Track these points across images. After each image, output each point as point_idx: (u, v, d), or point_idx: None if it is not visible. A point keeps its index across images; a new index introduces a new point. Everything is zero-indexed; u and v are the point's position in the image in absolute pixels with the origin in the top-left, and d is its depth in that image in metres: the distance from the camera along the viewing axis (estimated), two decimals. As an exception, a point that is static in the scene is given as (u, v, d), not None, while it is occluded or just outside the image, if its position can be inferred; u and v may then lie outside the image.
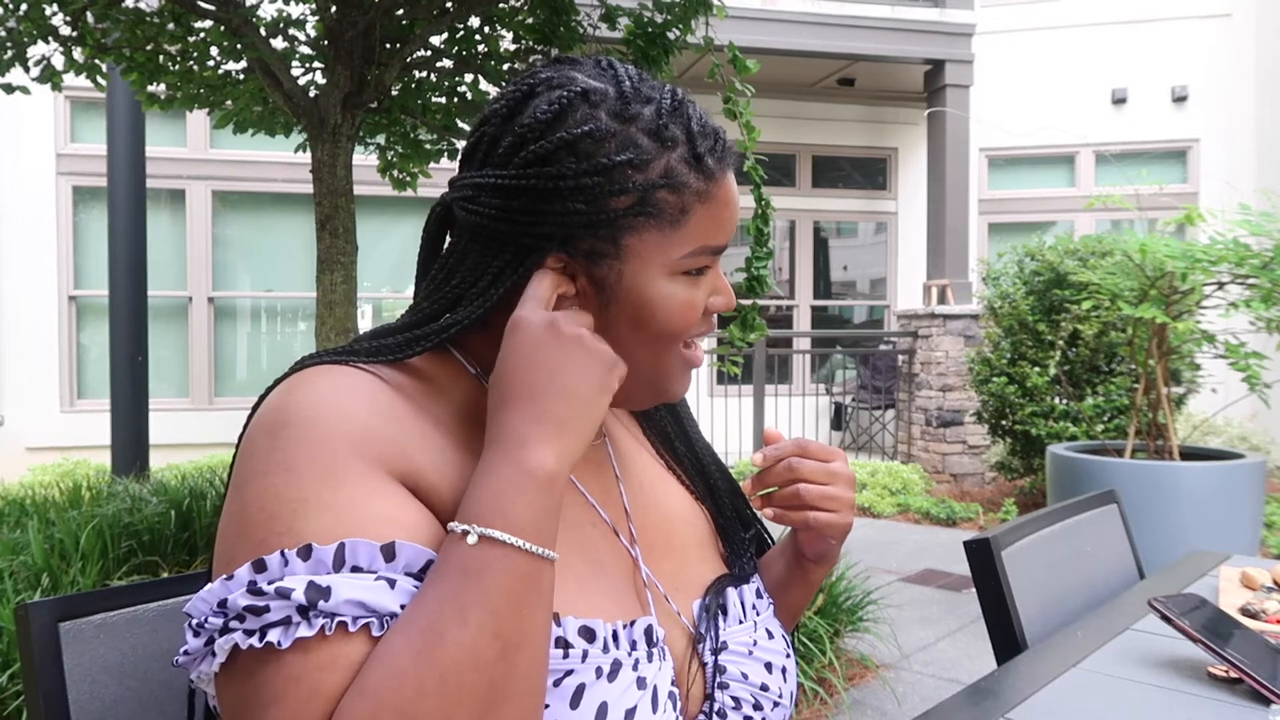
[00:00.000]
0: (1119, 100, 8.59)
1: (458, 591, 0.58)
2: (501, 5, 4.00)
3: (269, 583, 0.57)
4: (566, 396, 0.65)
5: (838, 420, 8.50)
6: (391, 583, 0.59)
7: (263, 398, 0.68)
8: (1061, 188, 8.78)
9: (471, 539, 0.59)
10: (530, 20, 4.08)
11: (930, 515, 5.78)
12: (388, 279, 7.91)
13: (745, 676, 0.76)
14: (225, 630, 0.58)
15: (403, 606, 0.59)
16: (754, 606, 0.82)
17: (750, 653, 0.78)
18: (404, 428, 0.66)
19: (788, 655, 0.81)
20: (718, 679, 0.75)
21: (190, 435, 6.95)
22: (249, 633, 0.57)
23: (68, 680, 0.77)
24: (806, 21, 7.19)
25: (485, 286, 0.71)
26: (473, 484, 0.63)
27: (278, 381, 0.68)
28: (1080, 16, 8.57)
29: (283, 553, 0.58)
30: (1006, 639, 1.28)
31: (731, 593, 0.81)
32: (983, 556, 1.30)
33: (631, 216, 0.69)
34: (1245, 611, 1.20)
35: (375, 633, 0.58)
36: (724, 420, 7.51)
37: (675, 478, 0.89)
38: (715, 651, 0.76)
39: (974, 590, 1.31)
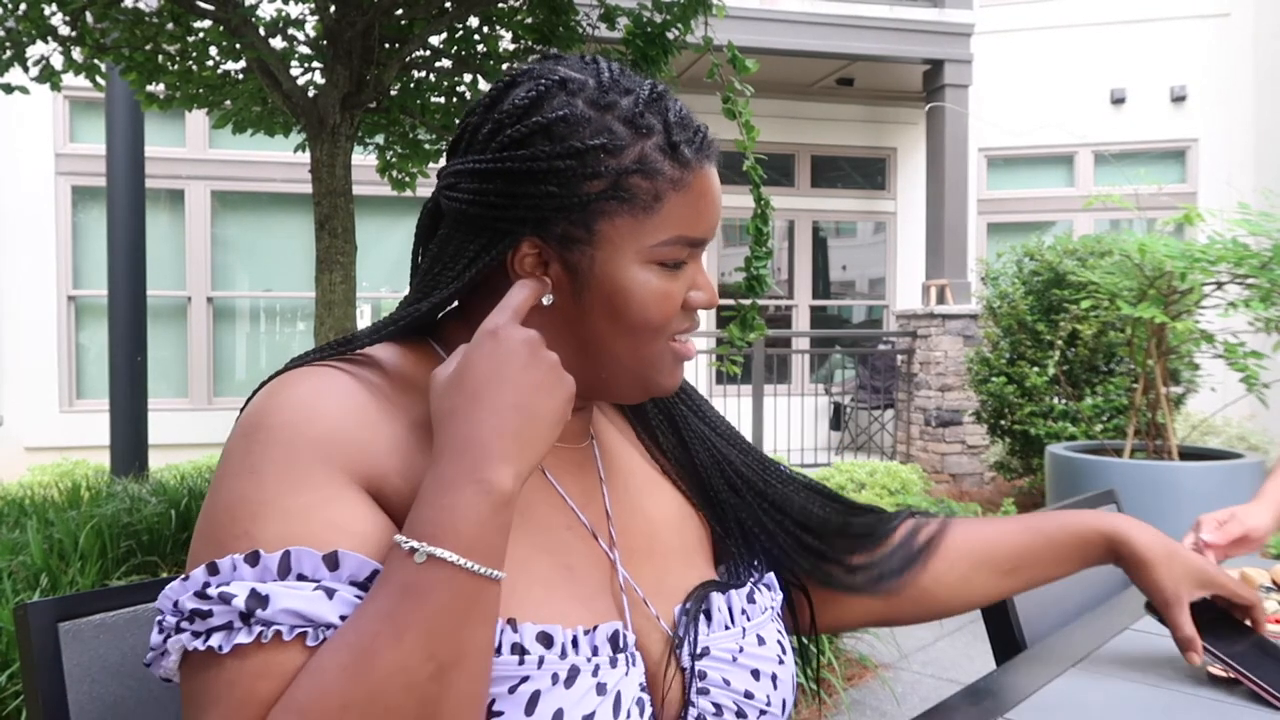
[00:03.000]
0: (1118, 100, 8.59)
1: (396, 609, 0.57)
2: (500, 5, 4.00)
3: (218, 586, 0.58)
4: (535, 419, 0.64)
5: (836, 420, 8.50)
6: (330, 593, 0.59)
7: (248, 401, 0.69)
8: (1060, 188, 8.78)
9: (419, 557, 0.58)
10: (529, 20, 4.08)
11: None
12: (387, 279, 7.91)
13: (727, 683, 0.74)
14: (178, 630, 0.59)
15: (343, 617, 0.58)
16: (744, 612, 0.79)
17: (734, 659, 0.76)
18: (375, 431, 0.66)
19: (781, 662, 0.79)
20: (696, 685, 0.73)
21: (189, 435, 6.94)
22: (196, 634, 0.58)
23: (67, 680, 0.77)
24: (806, 21, 7.19)
25: (460, 270, 0.71)
26: (425, 494, 0.61)
27: (264, 384, 0.69)
28: (1079, 16, 8.57)
29: (234, 558, 0.59)
30: (1005, 639, 1.28)
31: (717, 598, 0.79)
32: (982, 556, 1.30)
33: (604, 201, 0.69)
34: None
35: (310, 642, 0.58)
36: (723, 420, 7.50)
37: (670, 482, 0.87)
38: (694, 656, 0.74)
39: (973, 590, 1.31)
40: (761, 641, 0.79)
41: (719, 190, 0.75)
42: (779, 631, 0.83)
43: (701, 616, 0.77)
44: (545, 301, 0.72)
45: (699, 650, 0.75)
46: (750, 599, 0.81)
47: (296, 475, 0.61)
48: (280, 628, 0.57)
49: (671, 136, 0.71)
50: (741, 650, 0.77)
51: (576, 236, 0.70)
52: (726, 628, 0.77)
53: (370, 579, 0.60)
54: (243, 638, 0.57)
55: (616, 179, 0.69)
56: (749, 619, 0.79)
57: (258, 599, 0.57)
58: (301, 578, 0.59)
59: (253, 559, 0.59)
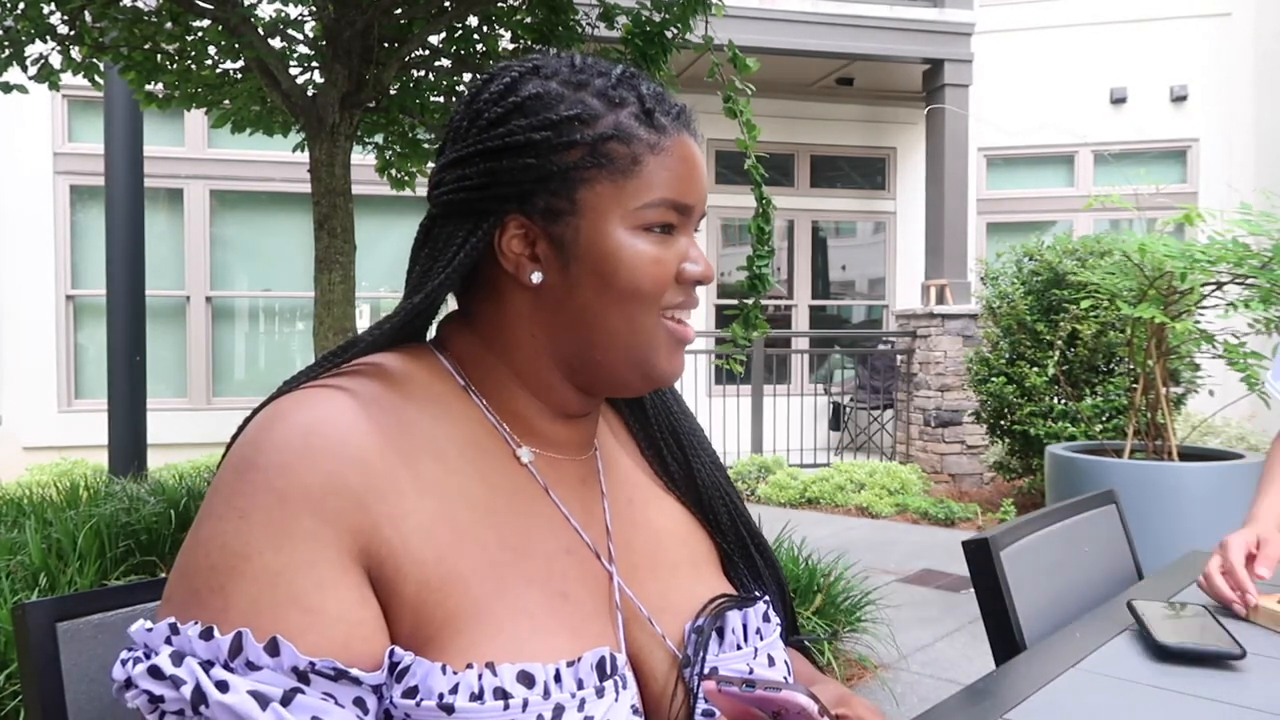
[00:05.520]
0: (1118, 100, 8.59)
1: None
2: (500, 4, 3.99)
3: (172, 663, 0.58)
4: None
5: (836, 420, 8.50)
6: (265, 702, 0.57)
7: (245, 423, 0.68)
8: (1060, 187, 8.78)
9: None
10: (528, 19, 4.08)
11: (929, 515, 5.78)
12: (386, 278, 7.90)
13: None
14: (130, 684, 0.60)
15: None
16: (758, 631, 0.78)
17: None
18: (374, 470, 0.64)
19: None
20: (701, 707, 0.72)
21: (188, 435, 6.94)
22: (153, 702, 0.59)
23: (65, 681, 0.77)
24: (805, 21, 7.19)
25: (450, 257, 0.71)
26: None
27: (260, 407, 0.68)
28: (1079, 16, 8.57)
29: (194, 628, 0.59)
30: (1005, 639, 1.27)
31: (733, 616, 0.77)
32: (981, 557, 1.30)
33: (583, 169, 0.70)
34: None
35: None
36: (722, 420, 7.51)
37: (674, 496, 0.85)
38: (701, 676, 0.73)
39: (972, 591, 1.30)
40: (771, 663, 0.78)
41: (701, 161, 0.75)
42: (786, 650, 0.82)
43: (713, 635, 0.75)
44: (535, 280, 0.71)
45: (706, 671, 0.73)
46: (766, 617, 0.80)
47: (283, 528, 0.60)
48: None
49: (645, 105, 0.72)
50: (751, 672, 0.75)
51: (560, 208, 0.70)
52: (738, 647, 0.76)
53: (306, 670, 0.59)
54: None
55: (593, 145, 0.69)
56: (762, 638, 0.78)
57: (200, 695, 0.57)
58: (249, 664, 0.58)
59: (207, 634, 0.59)
